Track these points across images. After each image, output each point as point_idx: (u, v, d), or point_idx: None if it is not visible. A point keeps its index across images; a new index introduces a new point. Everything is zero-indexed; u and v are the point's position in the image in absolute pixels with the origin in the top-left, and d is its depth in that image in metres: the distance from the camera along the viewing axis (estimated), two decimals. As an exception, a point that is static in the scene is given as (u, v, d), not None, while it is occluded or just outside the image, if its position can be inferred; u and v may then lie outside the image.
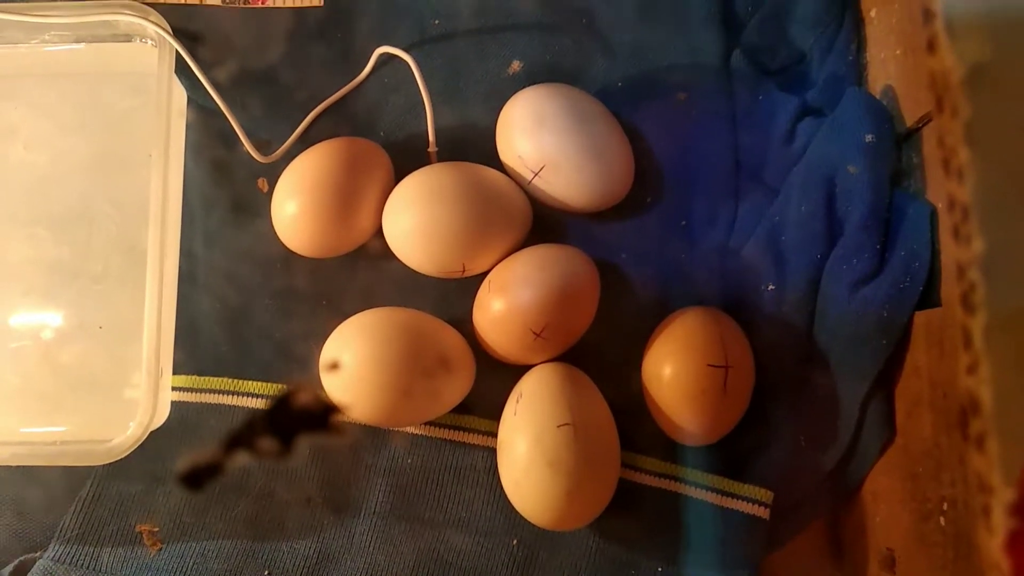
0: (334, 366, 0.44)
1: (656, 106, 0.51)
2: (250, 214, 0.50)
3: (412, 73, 0.50)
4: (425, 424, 0.48)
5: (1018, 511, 0.24)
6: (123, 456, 0.46)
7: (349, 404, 0.45)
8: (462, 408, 0.48)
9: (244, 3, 0.52)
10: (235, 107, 0.50)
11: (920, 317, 0.42)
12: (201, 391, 0.49)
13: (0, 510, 0.49)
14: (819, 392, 0.46)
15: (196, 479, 0.22)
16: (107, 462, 0.47)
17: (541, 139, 0.47)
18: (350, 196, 0.47)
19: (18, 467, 0.48)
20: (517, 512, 0.45)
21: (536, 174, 0.48)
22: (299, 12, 0.52)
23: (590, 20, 0.52)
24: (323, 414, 0.23)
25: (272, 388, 0.48)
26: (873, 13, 0.49)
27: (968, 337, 0.26)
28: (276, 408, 0.22)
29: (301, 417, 0.22)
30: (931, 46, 0.27)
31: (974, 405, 0.26)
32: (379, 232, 0.48)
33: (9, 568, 0.48)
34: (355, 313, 0.47)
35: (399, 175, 0.49)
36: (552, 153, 0.47)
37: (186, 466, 0.22)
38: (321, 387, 0.46)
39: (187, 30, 0.51)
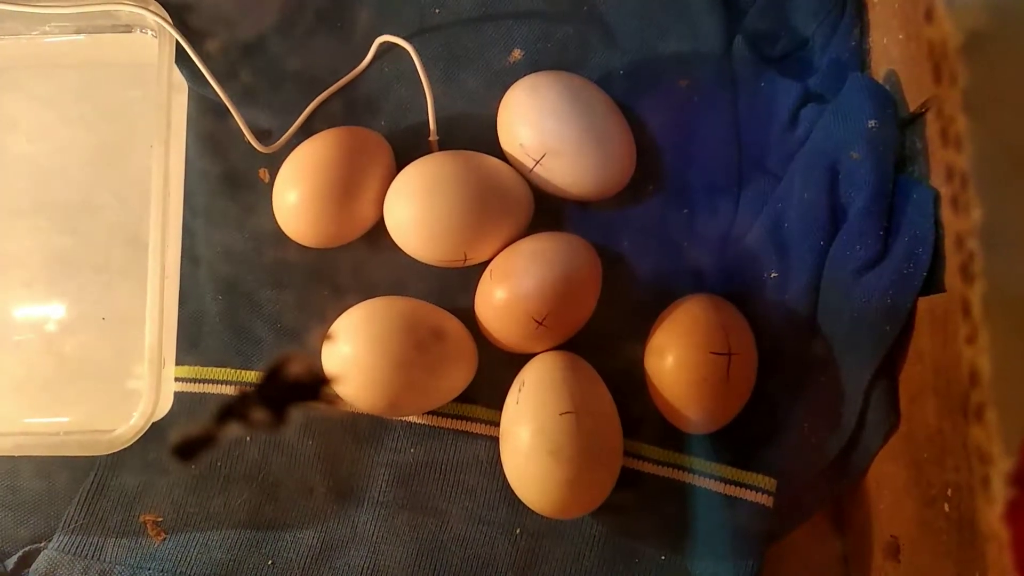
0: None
1: (658, 93, 0.50)
2: (251, 204, 0.50)
3: (413, 62, 0.49)
4: (427, 414, 0.48)
5: (1017, 481, 0.24)
6: (126, 446, 0.46)
7: (347, 387, 0.45)
8: (464, 397, 0.48)
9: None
10: (235, 97, 0.50)
11: (924, 303, 0.42)
12: (204, 381, 0.49)
13: (3, 500, 0.49)
14: (823, 379, 0.46)
15: (189, 450, 0.22)
16: (110, 452, 0.47)
17: (542, 127, 0.47)
18: (351, 185, 0.47)
19: (21, 457, 0.48)
20: (520, 501, 0.45)
21: (537, 162, 0.48)
22: (300, 0, 0.52)
23: (591, 7, 0.52)
24: (314, 385, 0.23)
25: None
26: (876, -2, 0.49)
27: (967, 307, 0.26)
28: (268, 378, 0.22)
29: (292, 388, 0.22)
30: (928, 15, 0.27)
31: (973, 375, 0.26)
32: (380, 221, 0.48)
33: (14, 558, 0.48)
34: (357, 303, 0.47)
35: (400, 164, 0.48)
36: (553, 141, 0.47)
37: (179, 437, 0.22)
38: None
39: (185, 17, 0.51)
